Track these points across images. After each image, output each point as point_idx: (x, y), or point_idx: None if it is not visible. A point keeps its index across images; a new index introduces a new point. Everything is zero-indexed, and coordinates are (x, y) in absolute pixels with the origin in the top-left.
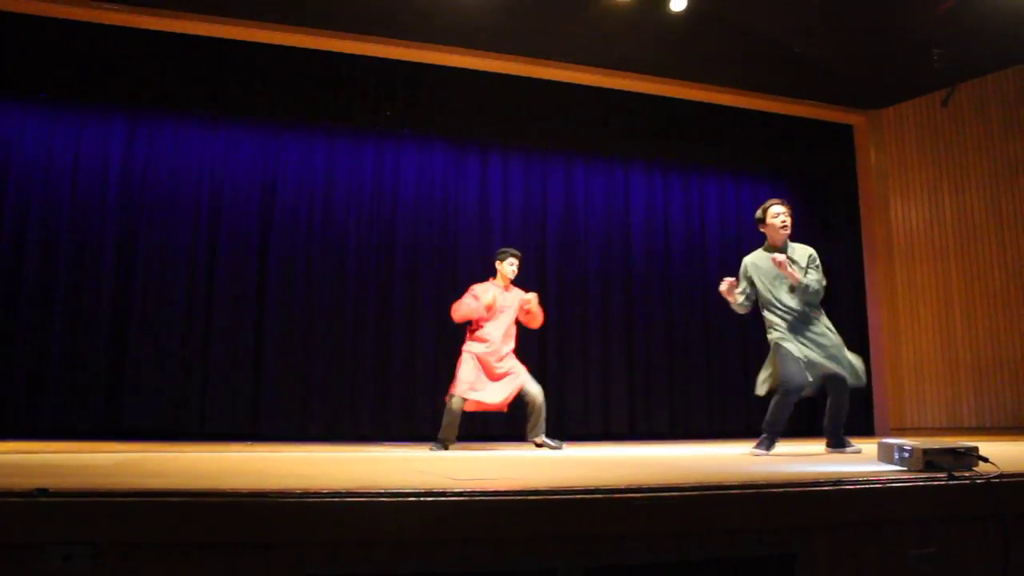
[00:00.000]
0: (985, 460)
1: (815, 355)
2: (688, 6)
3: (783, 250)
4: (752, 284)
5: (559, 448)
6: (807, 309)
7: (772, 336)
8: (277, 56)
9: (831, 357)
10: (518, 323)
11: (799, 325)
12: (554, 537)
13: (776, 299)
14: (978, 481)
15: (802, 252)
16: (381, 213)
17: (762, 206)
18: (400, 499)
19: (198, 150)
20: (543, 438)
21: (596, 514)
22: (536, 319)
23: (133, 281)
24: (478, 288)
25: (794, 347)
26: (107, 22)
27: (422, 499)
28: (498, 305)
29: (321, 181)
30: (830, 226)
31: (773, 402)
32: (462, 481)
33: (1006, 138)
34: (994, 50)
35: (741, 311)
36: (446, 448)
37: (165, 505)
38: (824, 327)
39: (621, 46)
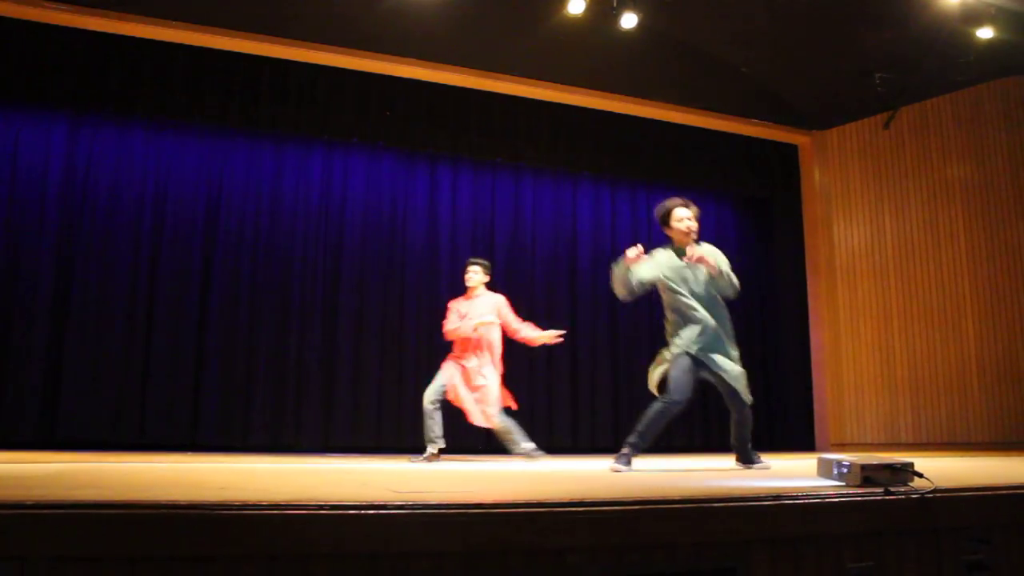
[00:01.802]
0: (920, 476)
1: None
2: (638, 24)
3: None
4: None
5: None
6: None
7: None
8: (225, 62)
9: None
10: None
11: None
12: (496, 551)
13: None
14: (913, 496)
15: (711, 250)
16: (328, 222)
17: (663, 206)
18: (340, 512)
19: (142, 155)
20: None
21: (538, 528)
22: (511, 332)
23: (71, 287)
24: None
25: (689, 360)
26: (50, 21)
27: (362, 512)
28: (464, 315)
29: (268, 188)
30: (774, 244)
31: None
32: (403, 494)
33: (944, 162)
34: (932, 78)
35: (624, 292)
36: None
37: (98, 518)
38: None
39: (572, 61)
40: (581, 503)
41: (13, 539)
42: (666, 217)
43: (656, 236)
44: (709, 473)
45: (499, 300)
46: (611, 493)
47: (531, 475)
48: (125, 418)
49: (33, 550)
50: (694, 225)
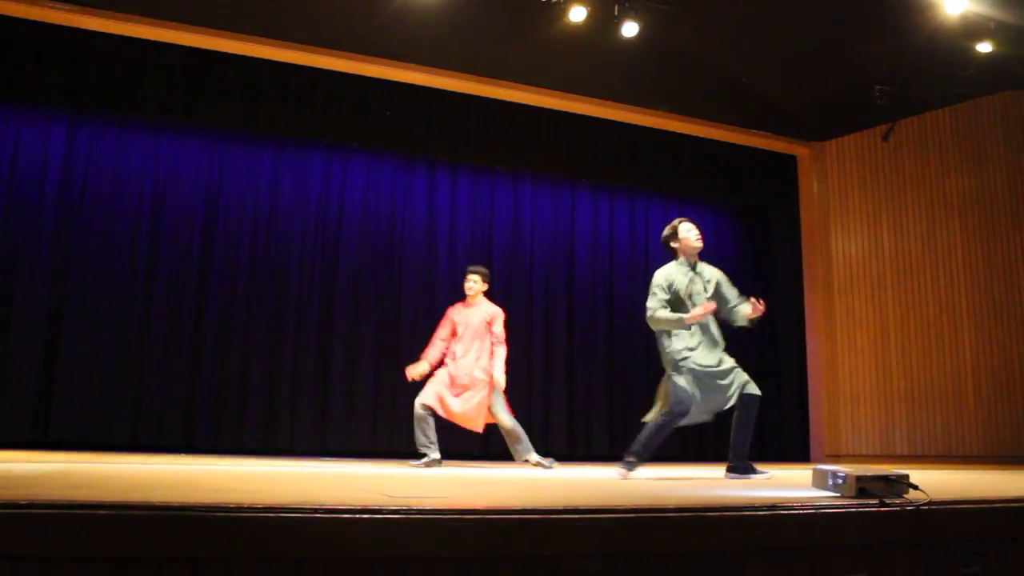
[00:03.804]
0: (915, 488)
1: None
2: (639, 33)
3: (694, 267)
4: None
5: (550, 467)
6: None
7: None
8: (225, 64)
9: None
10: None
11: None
12: (490, 556)
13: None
14: (908, 508)
15: (711, 272)
16: (326, 226)
17: (670, 225)
18: (334, 516)
19: (141, 155)
20: (533, 456)
21: (532, 535)
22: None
23: (68, 287)
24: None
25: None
26: (50, 21)
27: (357, 516)
28: (459, 322)
29: (266, 191)
30: (772, 255)
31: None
32: (398, 499)
33: (942, 175)
34: (931, 91)
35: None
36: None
37: (90, 518)
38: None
39: (572, 69)
40: (576, 510)
41: (8, 538)
42: (673, 232)
43: (654, 243)
44: (704, 482)
45: (494, 312)
46: (606, 501)
47: (526, 481)
48: (120, 419)
49: (24, 550)
50: (701, 235)
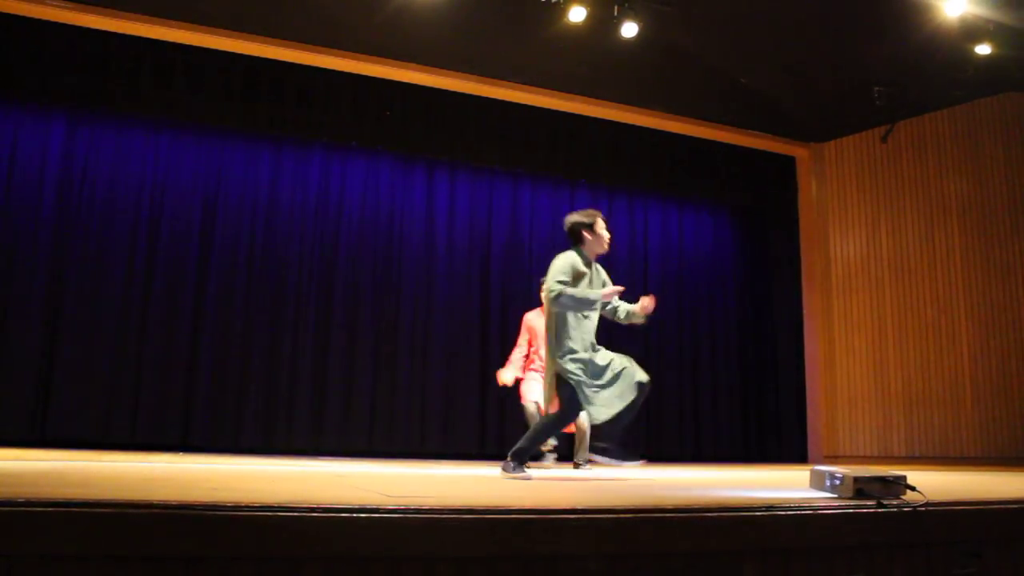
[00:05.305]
0: (913, 489)
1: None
2: (639, 33)
3: (590, 264)
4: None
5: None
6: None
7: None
8: (224, 63)
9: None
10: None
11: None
12: (488, 556)
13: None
14: (905, 509)
15: (602, 272)
16: (325, 226)
17: (587, 212)
18: (332, 515)
19: (139, 153)
20: (589, 455)
21: (531, 534)
22: None
23: (66, 286)
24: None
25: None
26: (49, 19)
27: (355, 515)
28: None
29: (265, 190)
30: (770, 256)
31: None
32: (396, 498)
33: (940, 177)
34: (930, 93)
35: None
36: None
37: (88, 516)
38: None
39: (571, 69)
40: (574, 510)
41: (5, 537)
42: (592, 223)
43: (652, 243)
44: (703, 483)
45: None
46: (605, 501)
47: (525, 481)
48: (117, 418)
49: (23, 548)
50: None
